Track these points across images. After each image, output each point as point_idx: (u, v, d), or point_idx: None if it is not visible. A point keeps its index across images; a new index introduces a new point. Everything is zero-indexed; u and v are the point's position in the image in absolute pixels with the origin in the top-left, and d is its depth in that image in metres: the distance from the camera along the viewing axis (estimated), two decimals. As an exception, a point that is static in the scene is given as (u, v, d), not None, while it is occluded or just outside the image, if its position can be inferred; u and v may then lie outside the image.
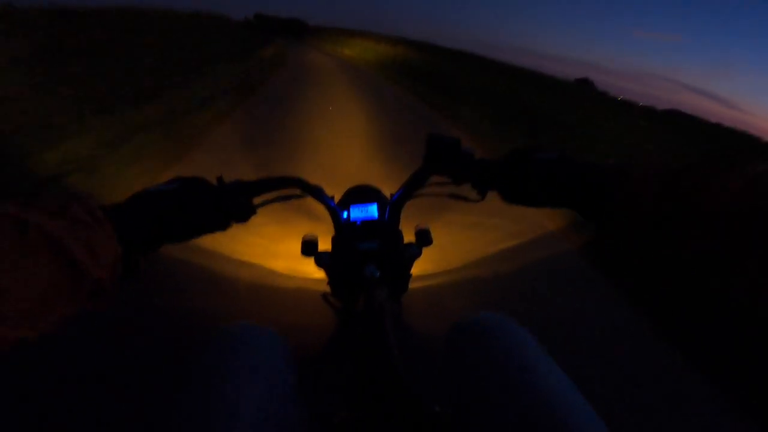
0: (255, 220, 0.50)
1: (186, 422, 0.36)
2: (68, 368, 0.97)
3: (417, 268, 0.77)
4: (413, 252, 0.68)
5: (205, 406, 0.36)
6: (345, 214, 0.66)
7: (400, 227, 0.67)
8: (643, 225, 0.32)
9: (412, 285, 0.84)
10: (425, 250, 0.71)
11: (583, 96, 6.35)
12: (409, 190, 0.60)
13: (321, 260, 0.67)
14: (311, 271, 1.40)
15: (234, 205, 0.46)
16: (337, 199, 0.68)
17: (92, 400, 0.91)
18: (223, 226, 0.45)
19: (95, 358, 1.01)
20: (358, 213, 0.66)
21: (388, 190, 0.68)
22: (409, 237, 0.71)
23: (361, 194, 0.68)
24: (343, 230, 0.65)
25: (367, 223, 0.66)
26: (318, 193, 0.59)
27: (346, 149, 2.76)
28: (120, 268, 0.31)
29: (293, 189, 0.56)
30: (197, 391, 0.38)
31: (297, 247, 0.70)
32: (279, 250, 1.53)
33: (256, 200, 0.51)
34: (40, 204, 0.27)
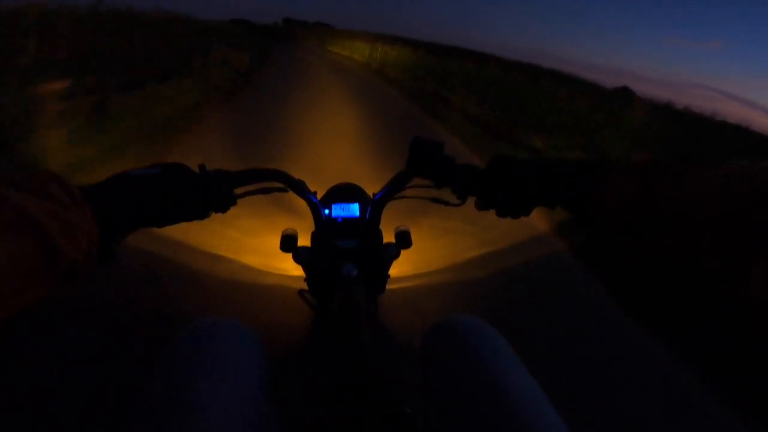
0: (232, 212, 0.49)
1: (150, 419, 0.35)
2: (30, 360, 0.92)
3: (395, 270, 0.77)
4: (392, 252, 0.68)
5: (170, 402, 0.36)
6: (326, 211, 0.66)
7: (380, 227, 0.67)
8: (619, 222, 0.33)
9: (389, 287, 0.84)
10: (404, 252, 0.72)
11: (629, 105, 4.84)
12: (391, 191, 0.60)
13: (299, 256, 0.67)
14: (288, 267, 1.39)
15: (215, 193, 0.45)
16: (319, 195, 0.68)
17: (54, 394, 0.86)
18: (202, 214, 0.44)
19: (59, 350, 0.96)
20: (339, 211, 0.66)
21: (371, 190, 0.68)
22: (389, 239, 0.72)
23: (343, 192, 0.69)
24: (324, 227, 0.65)
25: (348, 221, 0.66)
26: (300, 188, 0.59)
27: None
28: (95, 251, 0.31)
29: (276, 182, 0.56)
30: (162, 386, 0.38)
31: (275, 242, 0.69)
32: (256, 245, 1.50)
33: (238, 191, 0.50)
34: (17, 181, 0.26)
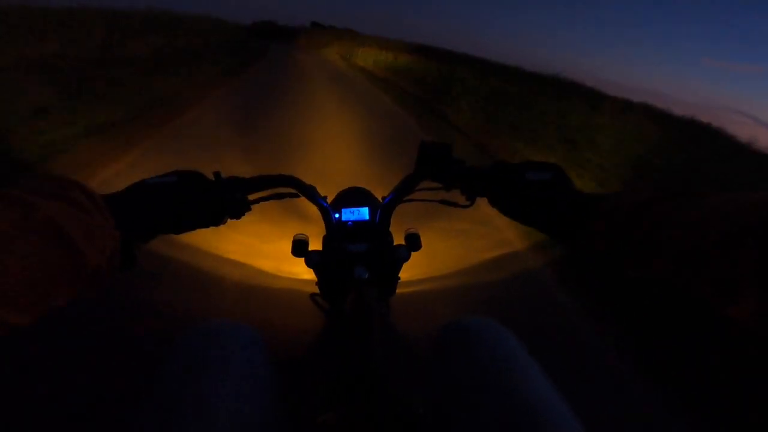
0: (245, 218, 0.51)
1: (156, 420, 0.35)
2: (45, 360, 0.95)
3: (405, 273, 0.78)
4: (402, 255, 0.69)
5: (175, 403, 0.36)
6: (336, 216, 0.67)
7: (390, 230, 0.68)
8: (609, 251, 0.34)
9: (399, 290, 0.85)
10: (414, 255, 0.72)
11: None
12: (400, 194, 0.61)
13: (311, 260, 0.68)
14: (299, 271, 1.40)
15: (230, 200, 0.46)
16: (329, 200, 0.69)
17: (66, 393, 0.89)
18: (217, 221, 0.46)
19: (74, 351, 0.99)
20: (349, 215, 0.67)
21: (379, 194, 0.69)
22: (399, 241, 0.72)
23: (353, 196, 0.70)
24: (334, 231, 0.66)
25: (358, 224, 0.67)
26: (311, 193, 0.60)
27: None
28: (117, 256, 0.31)
29: (287, 188, 0.57)
30: (167, 388, 0.38)
31: (287, 247, 0.71)
32: (269, 250, 1.52)
33: (251, 197, 0.51)
34: (42, 188, 0.27)
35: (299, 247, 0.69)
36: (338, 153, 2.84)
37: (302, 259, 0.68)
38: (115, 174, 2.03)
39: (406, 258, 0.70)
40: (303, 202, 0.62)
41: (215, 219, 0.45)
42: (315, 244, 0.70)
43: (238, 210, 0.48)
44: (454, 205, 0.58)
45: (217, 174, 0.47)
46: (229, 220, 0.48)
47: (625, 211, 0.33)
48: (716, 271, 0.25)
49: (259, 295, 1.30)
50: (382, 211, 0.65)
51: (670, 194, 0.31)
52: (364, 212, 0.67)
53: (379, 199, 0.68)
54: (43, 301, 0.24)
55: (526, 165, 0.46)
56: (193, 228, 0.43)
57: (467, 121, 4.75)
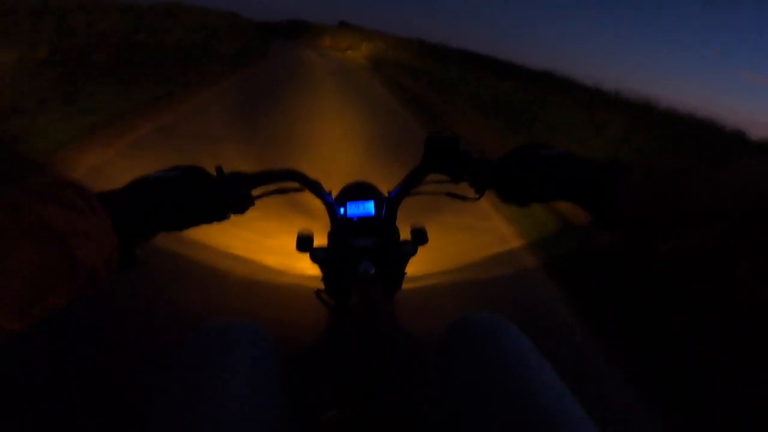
0: (250, 214, 0.50)
1: (164, 418, 0.36)
2: (50, 360, 0.95)
3: (410, 268, 0.77)
4: (408, 250, 0.68)
5: (184, 401, 0.36)
6: (342, 210, 0.66)
7: (396, 225, 0.67)
8: (640, 222, 0.32)
9: (405, 285, 0.84)
10: (420, 250, 0.71)
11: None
12: (406, 188, 0.60)
13: (316, 256, 0.67)
14: (305, 267, 1.40)
15: (233, 196, 0.46)
16: (334, 194, 0.68)
17: (75, 394, 0.89)
18: (221, 216, 0.45)
19: (80, 350, 0.99)
20: (354, 209, 0.66)
21: (385, 188, 0.68)
22: (405, 236, 0.71)
23: (358, 191, 0.68)
24: (339, 226, 0.65)
25: (364, 219, 0.66)
26: (315, 188, 0.59)
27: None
28: (117, 257, 0.31)
29: (292, 183, 0.56)
30: (176, 387, 0.38)
31: (292, 243, 0.70)
32: (274, 246, 1.52)
33: (255, 192, 0.51)
34: (34, 190, 0.26)
35: (304, 243, 0.68)
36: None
37: (308, 255, 0.68)
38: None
39: (413, 253, 0.69)
40: (310, 199, 0.61)
41: (218, 214, 0.45)
42: (321, 240, 0.70)
43: (242, 205, 0.47)
44: (463, 198, 0.57)
45: (219, 169, 0.46)
46: (232, 215, 0.47)
47: (655, 179, 0.31)
48: (759, 242, 0.23)
49: (265, 292, 1.30)
50: (388, 205, 0.64)
51: (702, 161, 0.30)
52: (369, 207, 0.66)
53: (385, 193, 0.67)
54: (35, 305, 0.23)
55: (535, 145, 0.44)
56: (195, 224, 0.43)
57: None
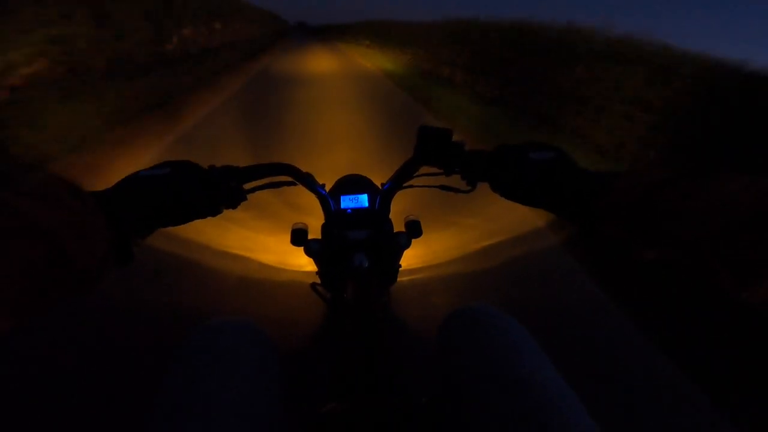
0: (247, 213, 0.50)
1: (164, 418, 0.36)
2: (50, 360, 0.95)
3: (404, 262, 0.77)
4: (402, 242, 0.68)
5: (184, 401, 0.37)
6: (335, 203, 0.66)
7: (390, 218, 0.67)
8: (623, 233, 0.33)
9: (400, 278, 0.84)
10: (414, 242, 0.71)
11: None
12: (399, 181, 0.60)
13: (310, 249, 0.67)
14: (302, 263, 1.40)
15: (225, 190, 0.46)
16: (328, 188, 0.68)
17: (72, 394, 0.90)
18: (214, 211, 0.45)
19: (76, 351, 0.99)
20: (348, 202, 0.66)
21: (378, 181, 0.68)
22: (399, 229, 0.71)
23: (351, 184, 0.69)
24: (333, 219, 0.65)
25: (358, 211, 0.66)
26: (308, 181, 0.59)
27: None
28: (111, 256, 0.31)
29: (284, 176, 0.56)
30: (176, 386, 0.38)
31: (288, 240, 0.70)
32: (269, 244, 1.52)
33: (247, 186, 0.51)
34: (28, 189, 0.26)
35: (298, 236, 0.69)
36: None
37: (302, 250, 0.68)
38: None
39: (407, 245, 0.69)
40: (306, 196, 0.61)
41: (211, 209, 0.45)
42: (316, 234, 0.70)
43: (234, 199, 0.48)
44: (455, 190, 0.57)
45: (211, 165, 0.46)
46: (225, 210, 0.47)
47: (637, 192, 0.32)
48: (739, 255, 0.25)
49: (262, 288, 1.31)
50: (382, 197, 0.64)
51: (684, 175, 0.30)
52: (363, 199, 0.67)
53: (378, 185, 0.67)
54: (29, 305, 0.24)
55: (528, 146, 0.45)
56: (189, 219, 0.43)
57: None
